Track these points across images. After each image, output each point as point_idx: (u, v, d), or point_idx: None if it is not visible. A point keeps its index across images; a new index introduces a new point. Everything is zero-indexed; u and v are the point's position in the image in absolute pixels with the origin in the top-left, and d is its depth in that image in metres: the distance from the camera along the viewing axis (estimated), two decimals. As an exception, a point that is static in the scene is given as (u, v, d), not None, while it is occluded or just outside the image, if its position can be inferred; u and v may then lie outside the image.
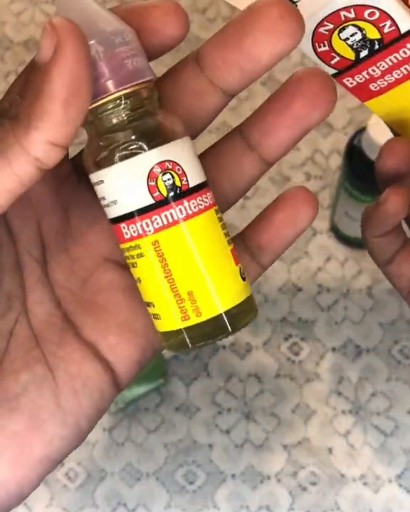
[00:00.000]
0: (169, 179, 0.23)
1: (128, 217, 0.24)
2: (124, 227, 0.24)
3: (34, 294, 0.25)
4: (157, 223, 0.23)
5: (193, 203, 0.24)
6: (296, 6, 0.26)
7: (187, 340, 0.24)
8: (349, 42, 0.27)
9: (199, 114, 0.26)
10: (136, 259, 0.24)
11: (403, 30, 0.27)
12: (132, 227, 0.24)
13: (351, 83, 0.29)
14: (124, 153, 0.23)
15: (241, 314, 0.25)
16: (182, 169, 0.23)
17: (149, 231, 0.23)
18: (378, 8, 0.26)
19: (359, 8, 0.26)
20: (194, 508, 0.56)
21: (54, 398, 0.24)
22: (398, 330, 0.59)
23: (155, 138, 0.23)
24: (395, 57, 0.27)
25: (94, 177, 0.24)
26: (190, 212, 0.24)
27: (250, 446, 0.57)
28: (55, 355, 0.25)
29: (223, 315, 0.24)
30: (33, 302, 0.25)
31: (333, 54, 0.28)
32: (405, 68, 0.28)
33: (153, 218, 0.23)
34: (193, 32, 0.68)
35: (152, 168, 0.23)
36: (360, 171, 0.53)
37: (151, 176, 0.23)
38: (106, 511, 0.56)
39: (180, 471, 0.57)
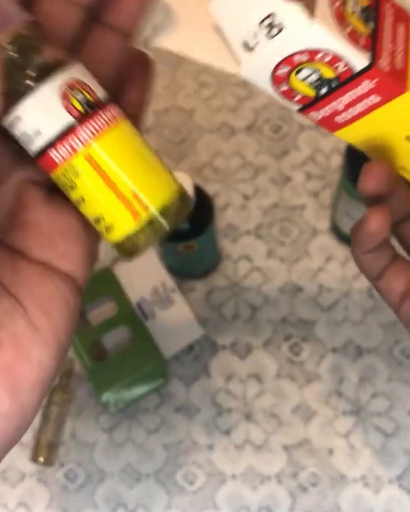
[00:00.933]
0: (81, 96, 0.25)
1: (54, 141, 0.25)
2: (53, 152, 0.25)
3: None
4: (83, 137, 0.25)
5: (109, 113, 0.26)
6: (253, 50, 0.26)
7: (141, 241, 0.26)
8: (306, 82, 0.27)
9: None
10: (74, 180, 0.26)
11: (357, 69, 0.26)
12: (61, 149, 0.25)
13: (317, 117, 0.29)
14: (31, 85, 0.25)
15: (179, 208, 0.27)
16: (89, 86, 0.25)
17: (79, 147, 0.25)
18: (329, 51, 0.26)
19: (312, 52, 0.26)
20: (194, 508, 0.56)
21: (29, 324, 0.25)
22: (398, 330, 0.59)
23: (54, 67, 0.25)
24: (354, 93, 0.27)
25: (9, 118, 0.25)
26: (110, 121, 0.26)
27: (251, 446, 0.57)
28: (15, 283, 0.25)
29: (169, 208, 0.26)
30: None
31: (294, 93, 0.28)
32: (366, 102, 0.28)
33: (79, 134, 0.25)
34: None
35: (63, 90, 0.25)
36: (361, 170, 0.53)
37: (64, 97, 0.25)
38: (106, 512, 0.56)
39: (180, 471, 0.56)
